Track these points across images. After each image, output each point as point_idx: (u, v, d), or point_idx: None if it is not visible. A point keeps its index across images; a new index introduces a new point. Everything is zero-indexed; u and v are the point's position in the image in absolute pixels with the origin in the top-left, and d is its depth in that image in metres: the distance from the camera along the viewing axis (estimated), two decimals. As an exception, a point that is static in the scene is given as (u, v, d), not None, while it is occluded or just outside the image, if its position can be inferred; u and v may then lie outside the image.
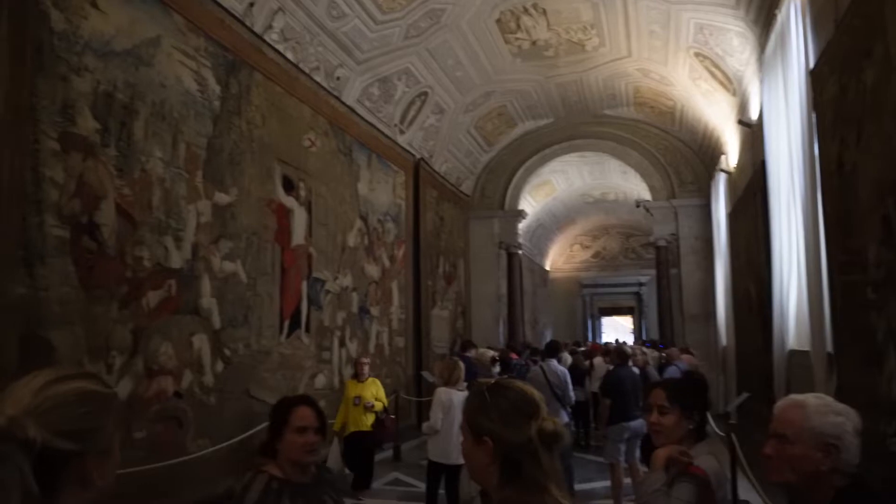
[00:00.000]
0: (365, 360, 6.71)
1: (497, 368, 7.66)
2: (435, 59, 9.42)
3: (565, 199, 17.84)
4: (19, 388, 0.89)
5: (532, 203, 15.85)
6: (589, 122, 13.00)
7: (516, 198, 14.08)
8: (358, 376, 6.50)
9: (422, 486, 5.45)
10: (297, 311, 7.13)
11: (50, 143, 4.13)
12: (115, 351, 4.63)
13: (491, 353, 6.23)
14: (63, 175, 4.23)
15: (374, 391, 6.34)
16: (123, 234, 4.71)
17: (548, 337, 20.45)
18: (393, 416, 6.57)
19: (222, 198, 5.84)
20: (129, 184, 4.78)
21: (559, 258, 22.90)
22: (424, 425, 5.12)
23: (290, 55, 7.03)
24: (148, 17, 4.97)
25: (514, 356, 9.65)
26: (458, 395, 4.93)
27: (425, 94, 10.08)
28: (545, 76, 10.92)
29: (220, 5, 5.79)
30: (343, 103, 8.31)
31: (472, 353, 8.51)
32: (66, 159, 4.25)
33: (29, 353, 3.92)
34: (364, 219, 8.93)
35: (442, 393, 5.01)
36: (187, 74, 5.40)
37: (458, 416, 4.94)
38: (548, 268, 21.99)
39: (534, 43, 9.68)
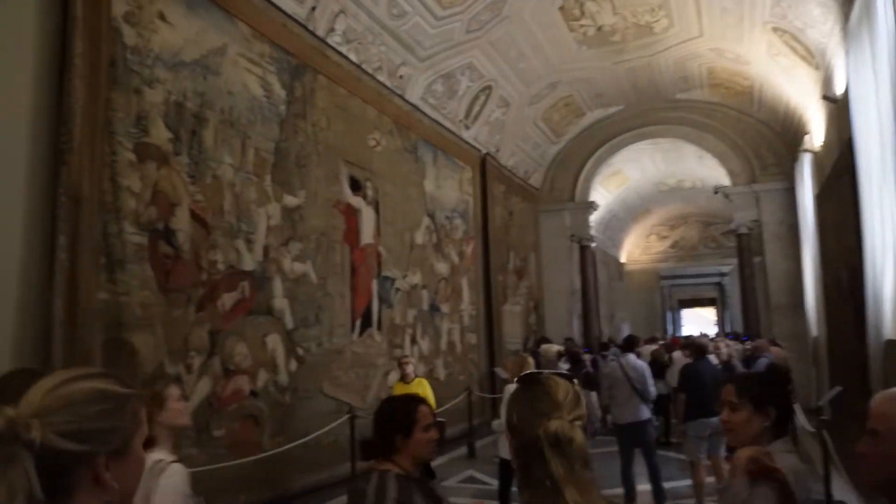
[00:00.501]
0: (408, 359, 6.23)
1: (567, 364, 7.48)
2: (498, 52, 9.32)
3: (639, 189, 17.32)
4: (34, 388, 0.89)
5: (604, 194, 15.46)
6: (661, 107, 12.55)
7: (587, 189, 13.77)
8: (403, 378, 6.01)
9: (495, 484, 5.39)
10: (368, 310, 7.21)
11: (126, 153, 4.32)
12: (194, 352, 4.80)
13: (556, 348, 6.06)
14: (139, 184, 4.41)
15: (422, 393, 5.56)
16: (197, 239, 4.88)
17: (625, 331, 19.93)
18: (443, 420, 6.17)
19: (291, 200, 5.97)
20: (202, 190, 4.95)
21: (635, 250, 22.28)
22: (494, 423, 5.06)
23: (352, 56, 7.10)
24: (214, 26, 5.12)
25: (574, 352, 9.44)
26: (528, 392, 4.84)
27: (489, 87, 9.99)
28: (613, 62, 10.61)
29: (283, 11, 5.91)
30: (407, 101, 8.34)
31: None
32: (141, 169, 4.44)
33: (113, 356, 4.11)
34: (431, 216, 8.94)
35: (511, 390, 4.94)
36: (253, 81, 5.54)
37: (527, 413, 4.85)
38: (623, 260, 21.43)
39: (599, 29, 9.42)
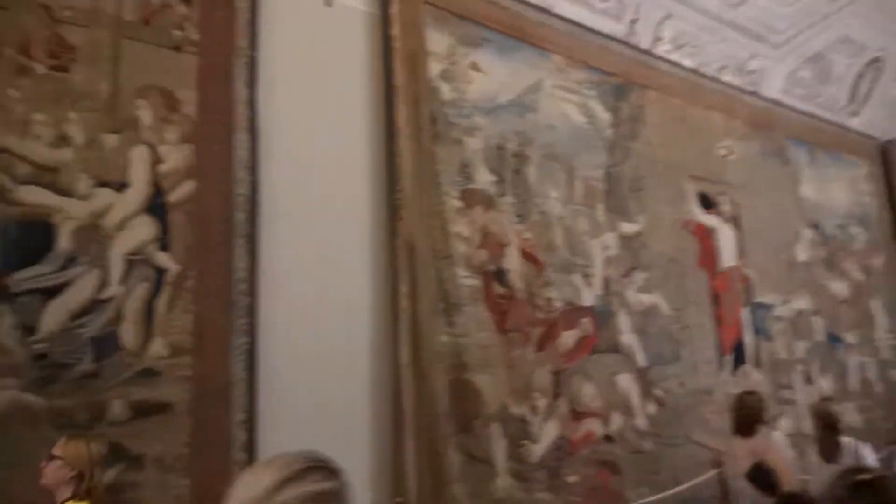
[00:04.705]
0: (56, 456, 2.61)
1: None
2: (884, 13, 7.42)
3: None
4: (249, 484, 0.91)
5: None
6: None
7: None
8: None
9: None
10: (740, 343, 6.21)
11: (453, 201, 4.52)
12: (538, 393, 4.68)
13: None
14: (468, 229, 4.56)
15: None
16: (530, 277, 4.82)
17: None
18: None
19: (629, 227, 5.55)
20: (530, 227, 4.90)
21: None
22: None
23: (686, 62, 6.44)
24: (527, 65, 5.13)
25: None
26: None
27: (878, 60, 8.00)
28: None
29: (599, 33, 5.67)
30: (764, 98, 7.19)
31: None
32: (468, 214, 4.59)
33: (457, 396, 4.23)
34: (815, 226, 7.41)
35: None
36: (573, 110, 5.37)
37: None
38: None
39: None
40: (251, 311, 3.53)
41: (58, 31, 3.12)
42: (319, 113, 4.00)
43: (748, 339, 6.27)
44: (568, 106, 5.34)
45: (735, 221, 6.49)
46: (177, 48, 3.50)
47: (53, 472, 2.55)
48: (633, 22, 5.94)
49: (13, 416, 2.84)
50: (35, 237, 3.04)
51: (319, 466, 0.96)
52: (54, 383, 2.97)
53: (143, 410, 3.17)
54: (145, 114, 3.34)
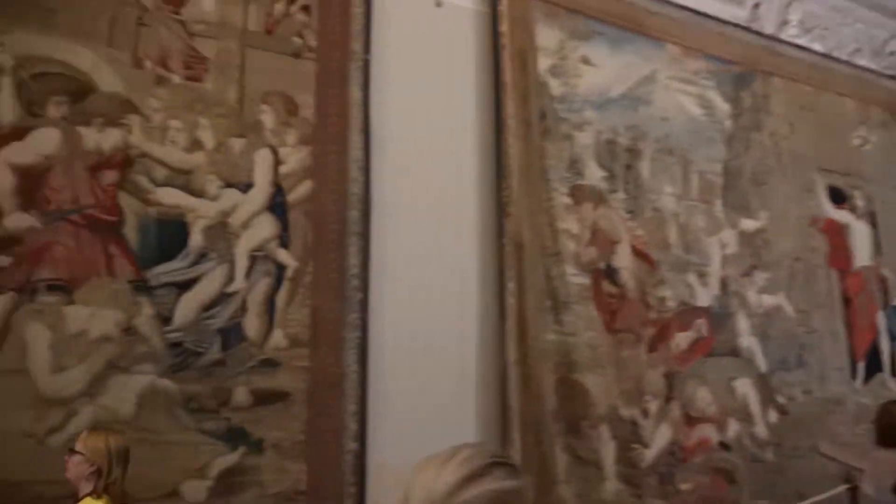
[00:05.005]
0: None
1: None
2: None
3: None
4: (429, 480, 0.86)
5: None
6: None
7: None
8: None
9: None
10: (875, 350, 5.73)
11: (562, 198, 4.45)
12: (649, 395, 4.54)
13: None
14: (577, 226, 4.48)
15: None
16: (642, 276, 4.67)
17: None
18: None
19: (749, 224, 5.24)
20: (642, 224, 4.74)
21: None
22: None
23: (816, 46, 5.98)
24: (639, 57, 4.95)
25: None
26: None
27: None
28: None
29: (717, 20, 5.37)
30: (904, 82, 6.57)
31: None
32: (578, 211, 4.50)
33: (565, 396, 4.18)
34: (968, 221, 6.69)
35: None
36: (689, 101, 5.13)
37: None
38: None
39: None
40: (363, 307, 3.64)
41: (191, 43, 3.35)
42: (430, 112, 4.05)
43: (885, 345, 5.77)
44: (684, 97, 5.11)
45: (870, 217, 5.98)
46: (296, 55, 3.66)
47: (75, 467, 2.41)
48: (756, 6, 5.59)
49: (151, 400, 3.10)
50: (171, 235, 3.29)
51: (502, 463, 0.90)
52: (186, 370, 3.21)
53: (263, 398, 3.36)
54: (268, 118, 3.53)
